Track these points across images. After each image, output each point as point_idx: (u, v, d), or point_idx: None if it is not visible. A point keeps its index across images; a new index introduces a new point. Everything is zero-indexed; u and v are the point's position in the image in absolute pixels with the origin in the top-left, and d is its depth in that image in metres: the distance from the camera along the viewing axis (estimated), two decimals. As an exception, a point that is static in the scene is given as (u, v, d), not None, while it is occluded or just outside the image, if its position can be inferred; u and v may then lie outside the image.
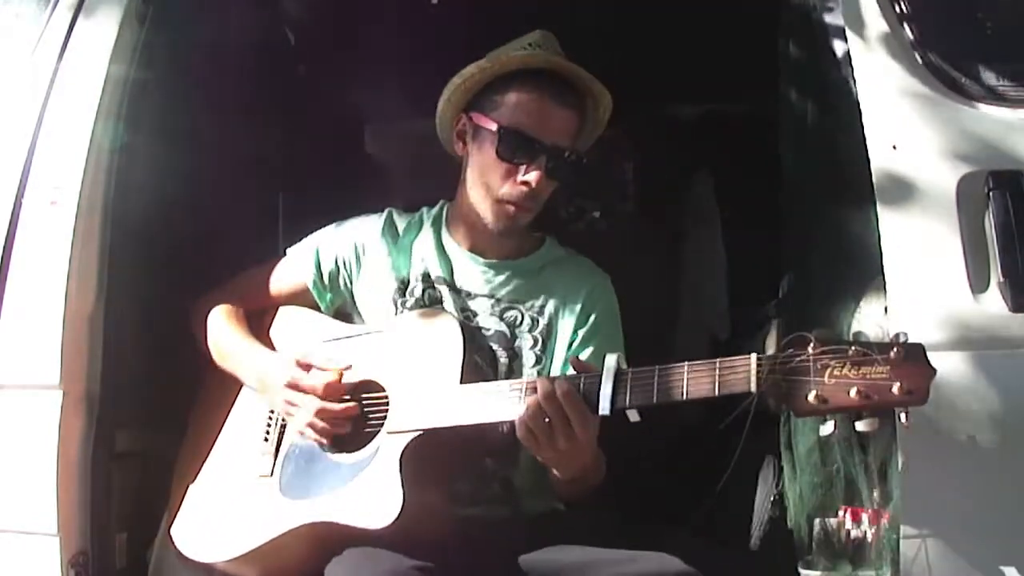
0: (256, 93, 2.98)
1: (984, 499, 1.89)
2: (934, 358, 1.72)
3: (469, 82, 2.16)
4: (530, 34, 2.21)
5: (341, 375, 2.06)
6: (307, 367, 2.08)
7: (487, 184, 2.14)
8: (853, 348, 1.67)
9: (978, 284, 1.95)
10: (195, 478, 2.17)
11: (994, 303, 1.94)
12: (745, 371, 1.72)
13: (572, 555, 1.92)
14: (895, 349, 1.65)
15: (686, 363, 1.77)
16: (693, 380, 1.75)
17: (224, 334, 2.24)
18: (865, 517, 2.06)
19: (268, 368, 2.14)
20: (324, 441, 2.04)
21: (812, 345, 1.69)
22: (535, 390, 1.83)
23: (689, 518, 2.16)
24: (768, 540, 2.26)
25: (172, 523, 2.14)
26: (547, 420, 1.80)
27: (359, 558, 1.87)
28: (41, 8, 2.39)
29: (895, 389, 1.63)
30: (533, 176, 2.10)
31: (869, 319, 2.04)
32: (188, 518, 2.11)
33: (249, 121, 2.93)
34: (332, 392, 2.04)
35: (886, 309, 1.97)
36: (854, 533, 2.09)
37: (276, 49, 3.26)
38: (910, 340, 1.67)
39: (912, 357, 1.65)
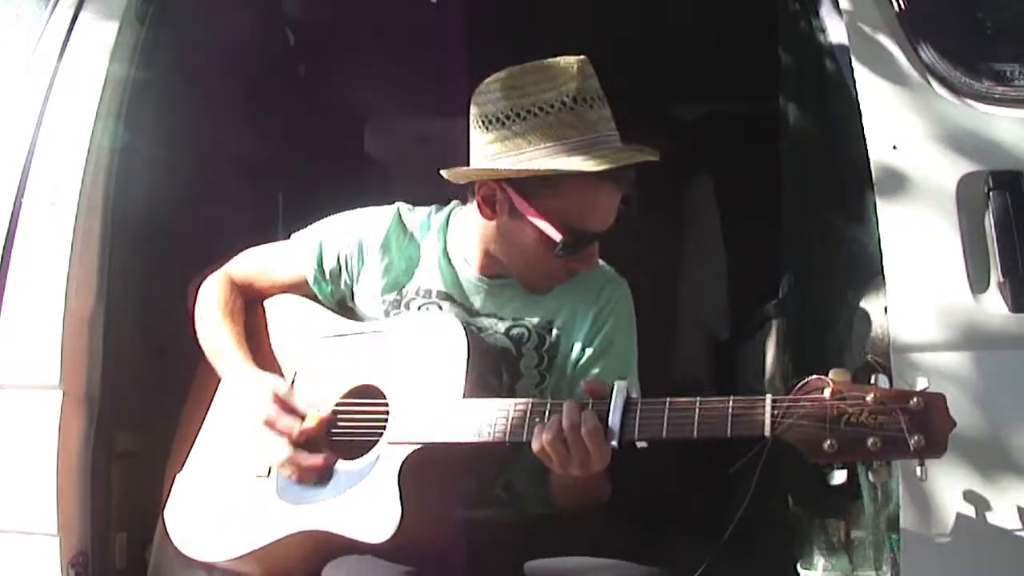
0: (256, 93, 2.98)
1: (984, 499, 1.89)
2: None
3: (520, 173, 1.93)
4: (566, 72, 1.92)
5: (320, 424, 1.98)
6: (285, 405, 1.99)
7: (532, 264, 2.02)
8: (871, 395, 1.63)
9: (978, 284, 1.95)
10: (182, 466, 2.14)
11: (994, 303, 1.94)
12: (760, 413, 1.67)
13: (571, 563, 1.91)
14: (915, 399, 1.62)
15: (697, 399, 1.72)
16: (704, 419, 1.70)
17: (213, 326, 2.16)
18: (865, 517, 2.05)
19: (247, 391, 2.05)
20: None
21: (829, 390, 1.65)
22: (543, 413, 1.80)
23: (691, 524, 2.15)
24: (768, 540, 2.26)
25: (163, 514, 2.12)
26: (566, 447, 1.77)
27: (356, 565, 1.86)
28: (41, 8, 2.39)
29: (912, 442, 1.60)
30: (588, 262, 2.01)
31: (869, 319, 2.04)
32: (185, 514, 2.09)
33: (249, 121, 2.93)
34: (306, 441, 1.97)
35: (886, 309, 1.97)
36: (854, 533, 2.09)
37: (276, 49, 3.26)
38: (930, 390, 1.64)
39: (932, 408, 1.62)
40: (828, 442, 1.62)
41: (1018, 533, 1.89)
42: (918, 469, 1.63)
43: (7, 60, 2.38)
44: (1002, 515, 1.88)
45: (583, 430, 1.75)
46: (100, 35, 2.34)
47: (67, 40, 2.33)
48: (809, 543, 2.17)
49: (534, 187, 1.94)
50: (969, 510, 1.89)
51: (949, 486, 1.89)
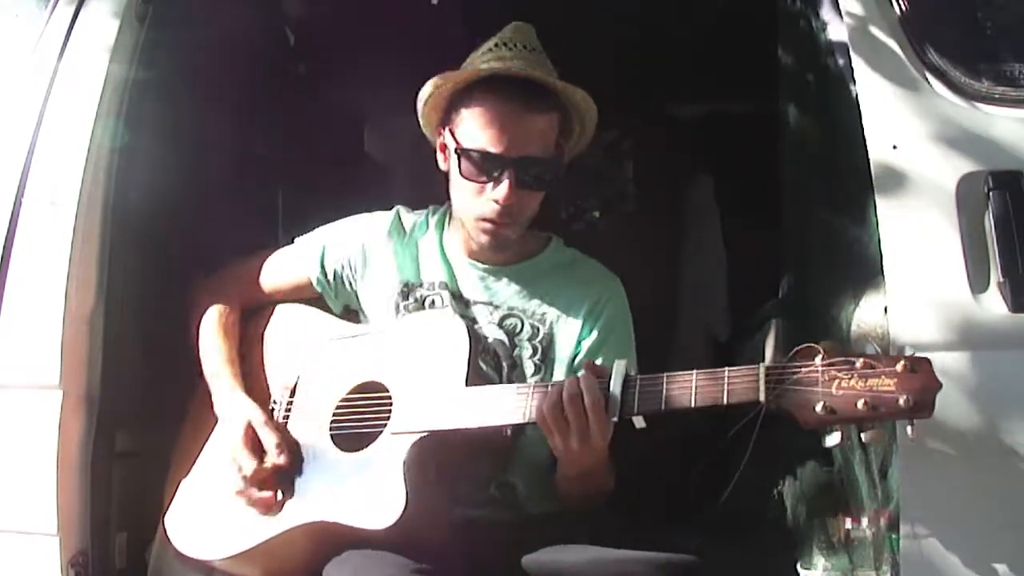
0: (256, 93, 2.98)
1: (984, 499, 1.89)
2: (934, 358, 1.73)
3: (431, 102, 2.11)
4: (502, 31, 2.13)
5: (273, 470, 2.01)
6: (252, 442, 2.03)
7: (462, 203, 2.11)
8: (861, 360, 1.70)
9: (978, 284, 1.95)
10: (188, 472, 2.16)
11: (994, 303, 1.94)
12: (753, 381, 1.74)
13: (573, 555, 1.92)
14: (902, 362, 1.69)
15: (694, 371, 1.79)
16: (701, 388, 1.77)
17: (208, 346, 2.22)
18: (865, 517, 2.06)
19: (228, 417, 2.11)
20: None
21: (820, 356, 1.73)
22: (544, 395, 1.84)
23: (691, 518, 2.16)
24: (768, 540, 2.26)
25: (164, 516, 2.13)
26: (566, 419, 1.81)
27: (359, 560, 1.86)
28: (41, 8, 2.39)
29: (902, 401, 1.67)
30: (501, 193, 2.02)
31: (869, 319, 2.05)
32: (185, 514, 2.11)
33: (249, 120, 2.93)
34: (256, 482, 2.01)
35: (886, 309, 1.97)
36: (854, 533, 2.09)
37: (276, 49, 3.26)
38: (916, 354, 1.71)
39: (918, 370, 1.69)
40: (820, 405, 1.70)
41: (1018, 533, 1.89)
42: (908, 429, 1.70)
43: (7, 60, 2.38)
44: (1002, 515, 1.89)
45: (586, 401, 1.79)
46: (100, 35, 2.33)
47: (67, 40, 2.33)
48: (809, 543, 2.17)
49: (453, 119, 2.09)
50: (969, 510, 1.89)
51: (949, 486, 1.89)
